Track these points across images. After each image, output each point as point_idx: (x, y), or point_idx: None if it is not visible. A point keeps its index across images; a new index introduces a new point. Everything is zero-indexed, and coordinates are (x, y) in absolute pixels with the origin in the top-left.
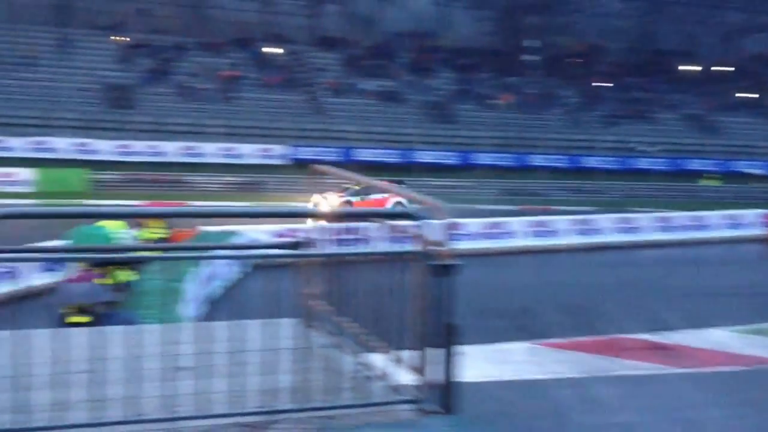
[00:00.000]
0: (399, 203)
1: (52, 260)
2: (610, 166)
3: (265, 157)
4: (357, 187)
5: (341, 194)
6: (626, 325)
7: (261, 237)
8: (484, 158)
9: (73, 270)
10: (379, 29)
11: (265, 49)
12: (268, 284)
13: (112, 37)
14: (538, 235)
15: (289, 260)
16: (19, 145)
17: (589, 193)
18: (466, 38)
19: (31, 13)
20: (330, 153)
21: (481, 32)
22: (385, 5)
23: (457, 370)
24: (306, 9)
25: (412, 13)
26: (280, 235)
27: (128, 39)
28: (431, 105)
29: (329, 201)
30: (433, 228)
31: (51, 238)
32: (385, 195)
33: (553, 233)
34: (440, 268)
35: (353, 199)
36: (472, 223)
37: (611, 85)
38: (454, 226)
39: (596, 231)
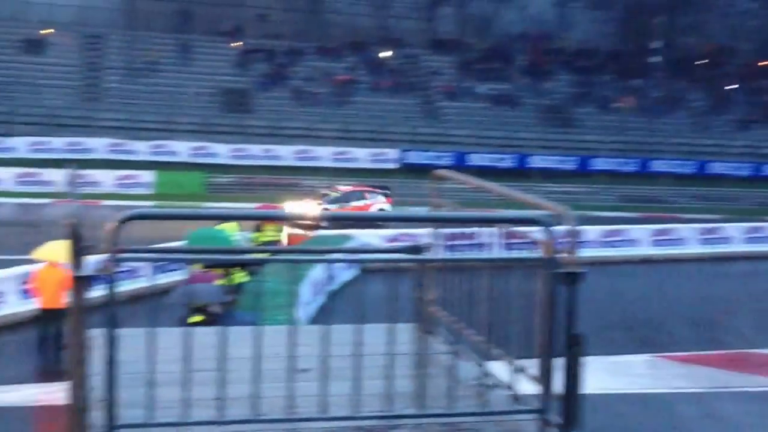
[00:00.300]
0: (381, 210)
1: (175, 261)
2: (740, 173)
3: (377, 161)
4: (336, 194)
5: (319, 201)
6: (755, 340)
7: (373, 240)
8: (604, 163)
9: (193, 271)
10: (495, 31)
11: (379, 53)
12: (381, 288)
13: (231, 43)
14: (660, 243)
15: (404, 264)
16: (142, 149)
17: (716, 201)
18: (586, 39)
19: (153, 21)
20: (442, 157)
21: (603, 33)
22: (501, 7)
23: (581, 381)
24: (421, 12)
25: (529, 15)
26: (393, 239)
27: (245, 44)
28: (549, 108)
29: (306, 208)
30: (559, 234)
31: (169, 240)
32: (367, 202)
33: (677, 242)
34: (565, 276)
35: (332, 206)
36: (591, 231)
37: (742, 87)
38: (578, 233)
39: (724, 240)
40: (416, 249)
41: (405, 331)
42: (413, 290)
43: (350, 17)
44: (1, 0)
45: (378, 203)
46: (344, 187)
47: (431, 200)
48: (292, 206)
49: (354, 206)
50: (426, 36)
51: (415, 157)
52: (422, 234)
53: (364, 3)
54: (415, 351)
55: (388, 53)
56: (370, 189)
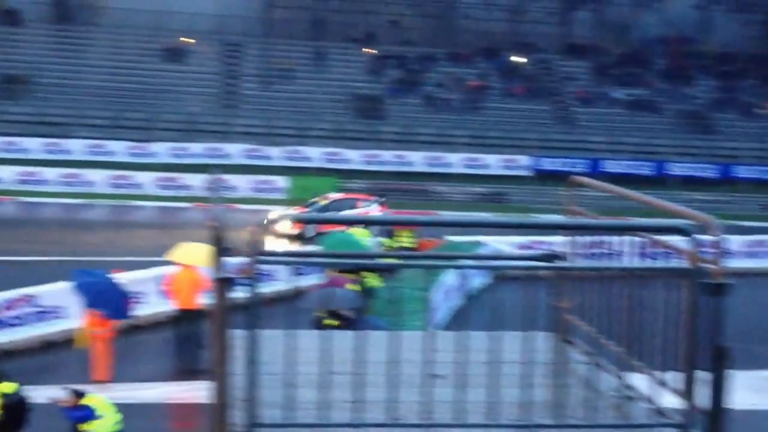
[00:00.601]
0: None
1: (312, 264)
2: None
3: (509, 167)
4: (324, 203)
5: (305, 210)
6: None
7: (504, 248)
8: (747, 171)
9: (328, 275)
10: (633, 35)
11: (512, 59)
12: (514, 296)
13: (364, 49)
14: None
15: (539, 272)
16: (277, 154)
17: None
18: (729, 43)
19: (289, 28)
20: (575, 164)
21: (746, 36)
22: (640, 10)
23: (727, 396)
24: (556, 16)
25: (669, 18)
26: (525, 247)
27: (378, 50)
28: (688, 114)
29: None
30: (705, 244)
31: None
32: (359, 210)
33: None
34: (712, 286)
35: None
36: (734, 241)
37: None
38: (724, 242)
39: None
40: (551, 257)
41: (542, 340)
42: (550, 299)
43: (483, 22)
44: (144, 10)
45: (372, 212)
46: (334, 195)
47: (568, 207)
48: (273, 214)
49: None
50: (560, 41)
51: (548, 164)
52: (558, 242)
53: (497, 8)
54: (553, 360)
55: (522, 59)
56: (364, 197)
